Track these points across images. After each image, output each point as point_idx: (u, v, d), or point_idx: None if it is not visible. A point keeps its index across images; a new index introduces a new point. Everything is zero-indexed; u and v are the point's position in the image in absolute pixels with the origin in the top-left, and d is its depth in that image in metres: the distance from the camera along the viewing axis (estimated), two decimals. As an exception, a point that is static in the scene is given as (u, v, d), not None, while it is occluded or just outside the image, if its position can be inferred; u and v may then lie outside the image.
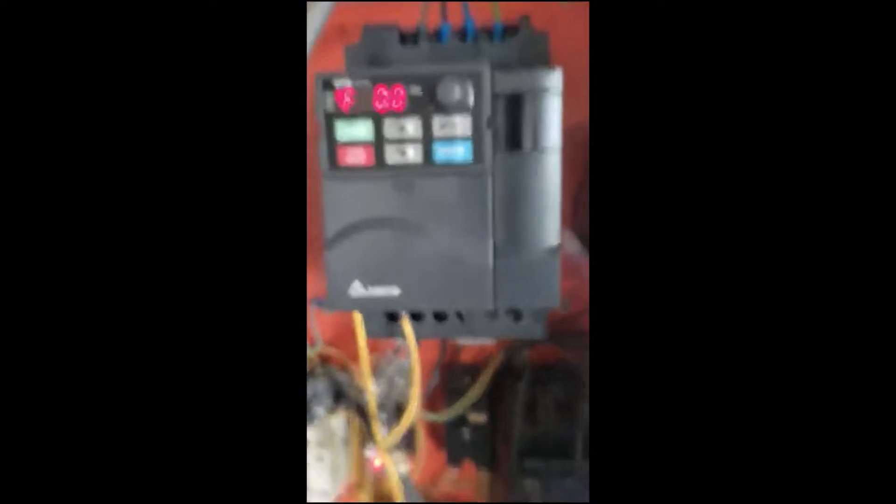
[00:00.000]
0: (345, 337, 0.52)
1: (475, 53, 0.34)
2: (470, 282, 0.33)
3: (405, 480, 0.44)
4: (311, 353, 0.49)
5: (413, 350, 0.36)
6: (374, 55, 0.34)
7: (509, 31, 0.35)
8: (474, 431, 0.49)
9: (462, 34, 0.36)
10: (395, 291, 0.33)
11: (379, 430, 0.41)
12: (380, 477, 0.49)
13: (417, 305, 0.34)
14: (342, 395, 0.50)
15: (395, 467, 0.43)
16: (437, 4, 0.35)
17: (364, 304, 0.33)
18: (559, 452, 0.44)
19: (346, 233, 0.33)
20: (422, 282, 0.33)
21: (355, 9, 0.44)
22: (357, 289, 0.33)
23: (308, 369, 0.50)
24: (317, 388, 0.49)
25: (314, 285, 0.50)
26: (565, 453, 0.44)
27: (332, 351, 0.51)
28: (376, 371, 0.46)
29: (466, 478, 0.51)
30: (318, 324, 0.49)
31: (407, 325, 0.36)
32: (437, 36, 0.36)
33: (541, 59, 0.34)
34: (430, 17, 0.36)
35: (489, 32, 0.35)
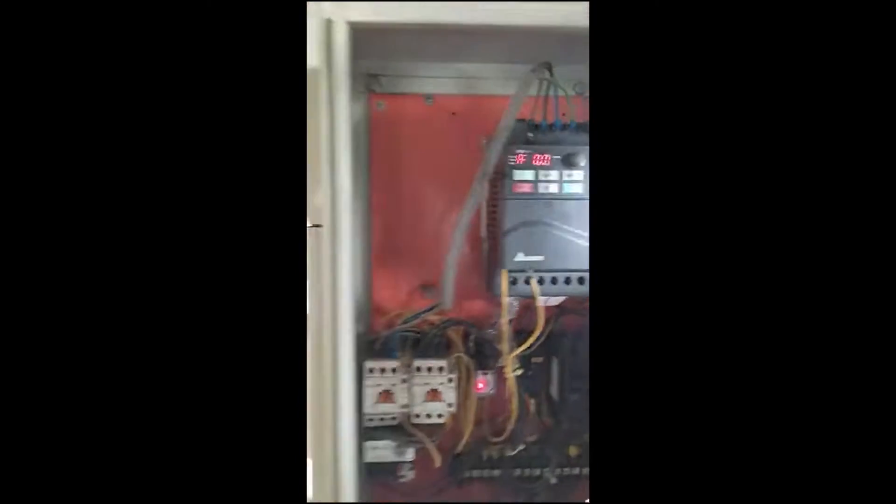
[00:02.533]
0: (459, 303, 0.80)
1: (576, 138, 0.66)
2: (579, 254, 0.63)
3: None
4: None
5: (538, 298, 0.66)
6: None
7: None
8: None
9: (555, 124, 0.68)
10: (540, 258, 0.63)
11: (507, 349, 0.70)
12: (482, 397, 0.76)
13: (552, 267, 0.64)
14: (451, 345, 0.78)
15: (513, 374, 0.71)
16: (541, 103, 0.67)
17: (523, 265, 0.63)
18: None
19: (514, 227, 0.63)
20: (554, 254, 0.63)
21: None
22: (520, 257, 0.63)
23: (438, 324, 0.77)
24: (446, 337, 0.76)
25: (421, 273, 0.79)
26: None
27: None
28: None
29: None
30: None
31: (534, 283, 0.65)
32: (549, 126, 0.67)
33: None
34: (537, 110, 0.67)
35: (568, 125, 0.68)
